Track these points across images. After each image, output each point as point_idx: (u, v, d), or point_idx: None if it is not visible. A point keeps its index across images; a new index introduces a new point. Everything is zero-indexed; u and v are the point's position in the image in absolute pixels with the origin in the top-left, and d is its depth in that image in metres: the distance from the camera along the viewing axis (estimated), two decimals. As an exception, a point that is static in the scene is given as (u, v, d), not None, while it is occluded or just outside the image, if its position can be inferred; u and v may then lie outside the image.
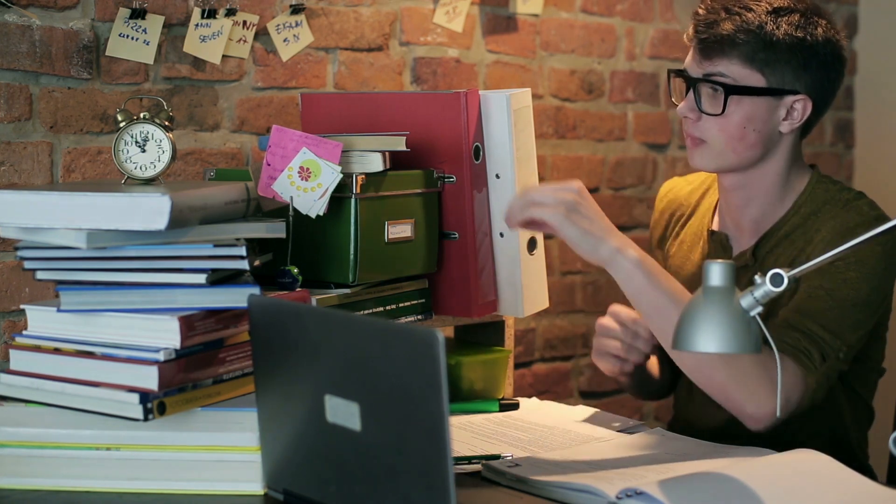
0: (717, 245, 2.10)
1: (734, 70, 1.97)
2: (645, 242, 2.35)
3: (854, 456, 2.09)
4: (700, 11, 2.01)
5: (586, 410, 2.04)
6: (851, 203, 2.00)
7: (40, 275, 1.65)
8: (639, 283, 1.85)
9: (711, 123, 1.98)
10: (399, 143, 1.95)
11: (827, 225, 1.98)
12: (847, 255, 1.80)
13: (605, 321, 2.05)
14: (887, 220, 1.94)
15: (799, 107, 1.99)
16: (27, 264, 1.65)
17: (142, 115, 1.81)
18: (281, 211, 1.87)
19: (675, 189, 2.27)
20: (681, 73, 2.04)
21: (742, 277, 1.92)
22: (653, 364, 2.26)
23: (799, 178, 2.06)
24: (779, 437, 1.87)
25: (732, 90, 1.96)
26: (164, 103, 1.89)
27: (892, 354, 2.90)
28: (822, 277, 1.92)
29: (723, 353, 1.64)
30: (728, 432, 1.94)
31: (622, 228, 2.92)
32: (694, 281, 2.06)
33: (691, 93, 2.00)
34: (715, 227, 2.14)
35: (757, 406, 1.82)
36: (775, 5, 1.98)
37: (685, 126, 2.03)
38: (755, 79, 1.97)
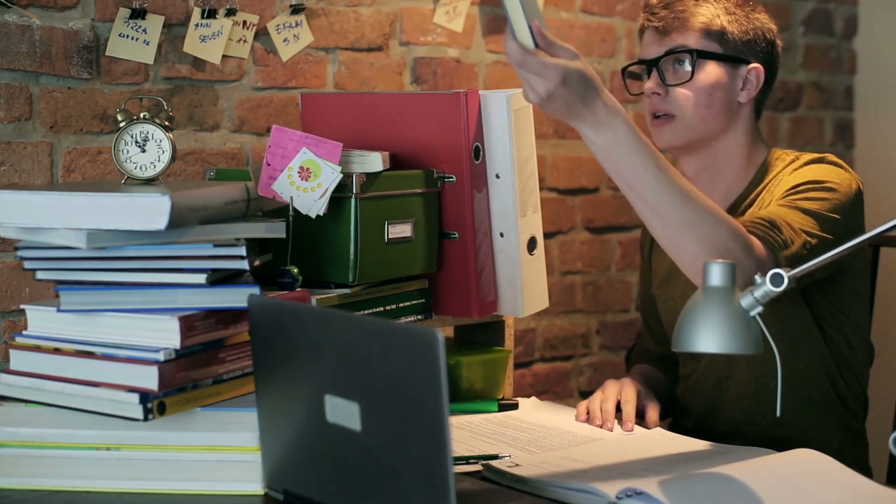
0: None
1: (694, 41, 2.10)
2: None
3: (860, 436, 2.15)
4: (651, 1, 2.15)
5: (586, 410, 2.04)
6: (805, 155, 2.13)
7: (40, 275, 1.65)
8: (629, 155, 1.73)
9: (678, 95, 2.10)
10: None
11: (785, 173, 2.08)
12: (819, 181, 1.98)
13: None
14: (838, 163, 2.06)
15: (753, 77, 2.13)
16: (27, 264, 1.65)
17: (142, 115, 1.81)
18: (281, 211, 1.87)
19: None
20: (640, 62, 2.16)
21: None
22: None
23: (758, 152, 2.17)
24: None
25: (699, 55, 2.09)
26: (164, 103, 1.89)
27: (893, 354, 2.91)
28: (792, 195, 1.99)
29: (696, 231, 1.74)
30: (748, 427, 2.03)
31: (622, 228, 2.94)
32: (675, 276, 2.13)
33: (654, 73, 2.12)
34: None
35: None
36: None
37: (651, 106, 2.13)
38: (714, 48, 2.11)
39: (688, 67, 2.10)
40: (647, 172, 1.71)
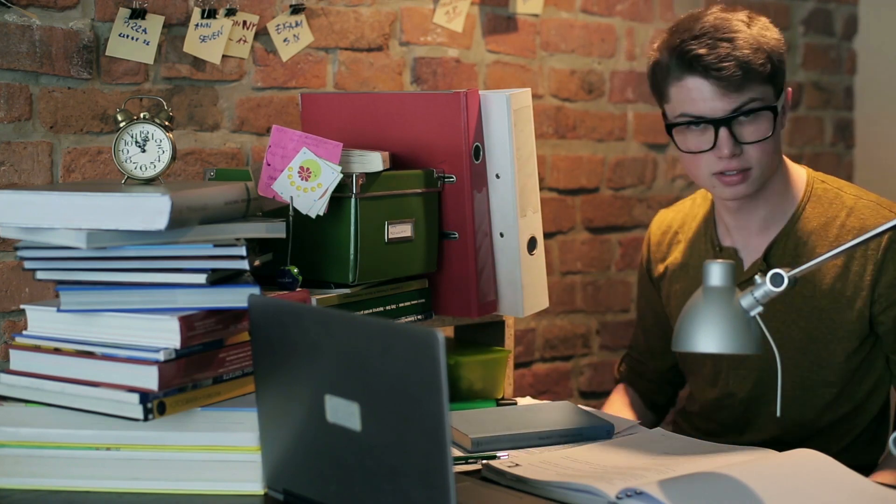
0: (728, 259, 2.11)
1: (760, 90, 1.96)
2: (643, 242, 2.35)
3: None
4: (699, 53, 1.94)
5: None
6: (863, 202, 2.05)
7: (40, 275, 1.65)
8: None
9: (754, 150, 1.97)
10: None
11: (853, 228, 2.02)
12: None
13: None
14: None
15: (787, 100, 2.04)
16: (27, 264, 1.65)
17: (142, 115, 1.81)
18: (281, 211, 1.87)
19: (667, 219, 2.27)
20: (702, 119, 1.97)
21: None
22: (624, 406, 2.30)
23: (792, 170, 2.09)
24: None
25: (775, 110, 1.97)
26: (164, 103, 1.89)
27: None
28: None
29: None
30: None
31: (622, 228, 2.94)
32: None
33: (723, 132, 1.95)
34: (722, 243, 2.14)
35: None
36: (742, 19, 1.98)
37: (721, 165, 1.97)
38: (771, 92, 1.99)
39: (766, 122, 1.96)
40: None
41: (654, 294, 2.27)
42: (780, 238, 2.06)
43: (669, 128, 2.02)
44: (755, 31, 1.97)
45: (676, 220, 2.23)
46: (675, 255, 2.20)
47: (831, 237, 2.03)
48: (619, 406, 2.30)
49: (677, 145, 2.03)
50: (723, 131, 1.95)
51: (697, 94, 1.96)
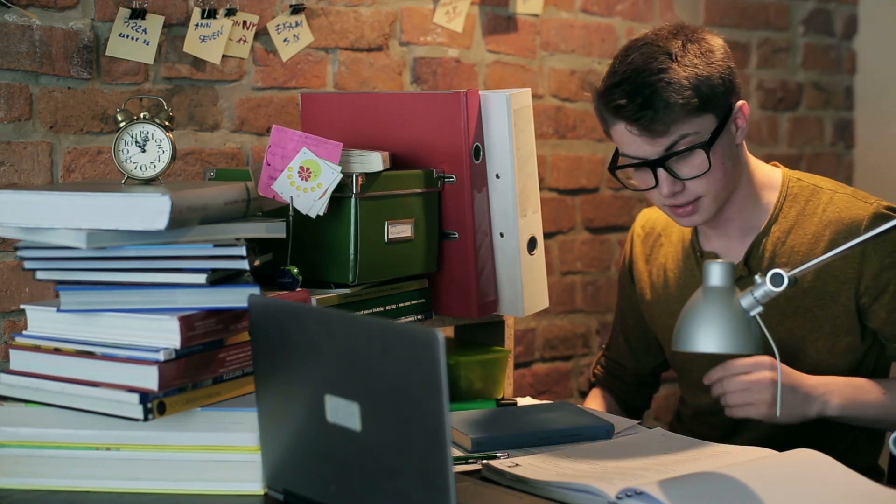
0: None
1: (691, 125, 1.94)
2: (626, 240, 2.34)
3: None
4: (620, 103, 1.94)
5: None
6: (839, 195, 2.06)
7: (40, 275, 1.65)
8: (850, 415, 1.97)
9: (698, 182, 1.96)
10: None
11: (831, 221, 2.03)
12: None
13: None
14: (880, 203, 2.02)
15: (741, 115, 2.00)
16: (27, 264, 1.65)
17: (142, 115, 1.81)
18: (281, 211, 1.87)
19: (651, 219, 2.26)
20: (638, 161, 1.97)
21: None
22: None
23: (765, 175, 2.09)
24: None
25: (709, 144, 1.94)
26: (164, 103, 1.89)
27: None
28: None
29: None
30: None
31: (622, 228, 2.94)
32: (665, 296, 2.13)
33: (661, 172, 1.95)
34: (704, 248, 2.14)
35: None
36: (671, 51, 1.94)
37: (668, 201, 1.98)
38: (708, 120, 1.96)
39: (700, 157, 1.94)
40: (876, 405, 1.96)
41: (635, 293, 2.26)
42: (758, 240, 2.06)
43: (613, 169, 2.03)
44: (684, 64, 1.93)
45: (660, 220, 2.22)
46: (658, 257, 2.20)
47: (809, 233, 2.03)
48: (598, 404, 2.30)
49: (623, 183, 2.07)
50: (660, 171, 1.96)
51: (628, 138, 1.97)
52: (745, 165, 2.06)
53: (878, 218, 1.99)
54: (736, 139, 2.00)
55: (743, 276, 2.03)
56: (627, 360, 2.32)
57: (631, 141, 1.96)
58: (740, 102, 2.00)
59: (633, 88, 1.93)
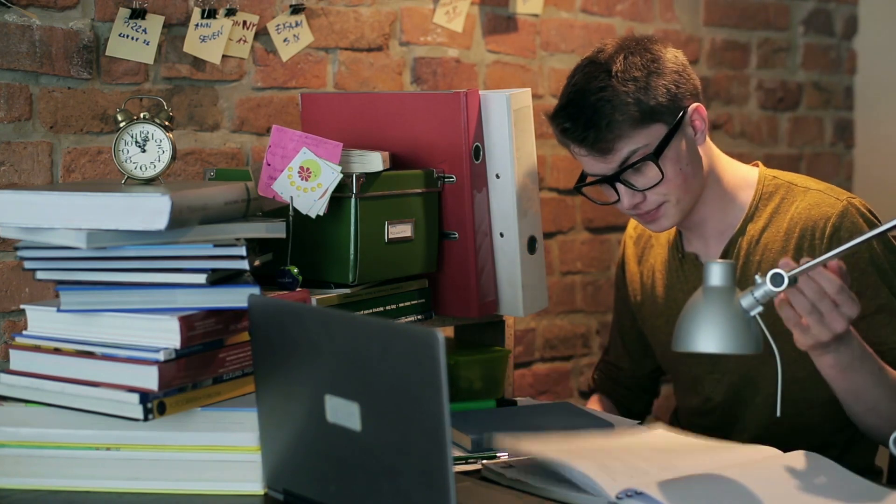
0: (691, 265, 2.12)
1: (639, 139, 1.96)
2: (621, 243, 2.34)
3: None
4: (565, 126, 1.98)
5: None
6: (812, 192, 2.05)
7: (40, 275, 1.65)
8: (860, 367, 1.83)
9: (656, 190, 1.98)
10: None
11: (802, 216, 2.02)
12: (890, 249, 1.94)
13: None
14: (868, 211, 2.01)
15: (697, 118, 2.01)
16: (27, 264, 1.65)
17: (142, 115, 1.81)
18: (281, 211, 1.87)
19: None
20: (597, 179, 2.01)
21: None
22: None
23: (738, 173, 2.09)
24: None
25: (657, 155, 1.96)
26: (164, 103, 1.89)
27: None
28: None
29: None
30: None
31: (622, 228, 2.94)
32: (680, 304, 2.09)
33: (619, 186, 1.99)
34: (686, 249, 2.15)
35: None
36: (612, 70, 1.96)
37: (632, 212, 2.02)
38: (658, 129, 1.97)
39: (651, 169, 1.96)
40: (873, 379, 1.81)
41: (628, 295, 2.26)
42: (734, 239, 2.07)
43: (578, 188, 2.06)
44: (623, 79, 1.95)
45: None
46: (648, 259, 2.21)
47: (781, 230, 2.03)
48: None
49: (592, 199, 2.09)
50: (618, 185, 1.99)
51: (582, 159, 2.02)
52: (713, 166, 2.06)
53: (847, 214, 1.99)
54: (697, 141, 2.02)
55: None
56: (625, 362, 2.32)
57: (585, 161, 2.01)
58: (694, 105, 2.01)
59: (576, 111, 1.97)
